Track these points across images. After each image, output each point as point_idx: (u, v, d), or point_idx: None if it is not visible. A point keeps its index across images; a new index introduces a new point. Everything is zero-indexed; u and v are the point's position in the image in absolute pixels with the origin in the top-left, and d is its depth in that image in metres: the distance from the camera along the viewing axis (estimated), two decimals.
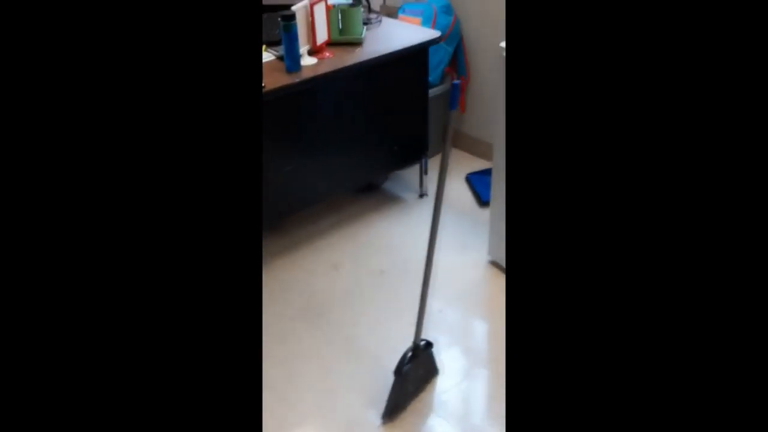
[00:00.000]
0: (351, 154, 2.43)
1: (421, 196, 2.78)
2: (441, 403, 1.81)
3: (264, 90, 1.96)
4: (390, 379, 1.72)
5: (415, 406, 1.79)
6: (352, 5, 2.32)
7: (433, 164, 2.59)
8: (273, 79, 2.02)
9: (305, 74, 2.09)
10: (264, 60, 2.19)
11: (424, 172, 2.72)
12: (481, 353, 2.02)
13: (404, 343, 1.75)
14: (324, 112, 2.25)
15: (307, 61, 2.15)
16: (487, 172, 2.63)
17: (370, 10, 2.59)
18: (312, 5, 2.09)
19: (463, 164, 2.95)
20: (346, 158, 2.42)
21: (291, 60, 2.04)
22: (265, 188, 2.22)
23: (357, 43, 2.32)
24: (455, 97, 1.53)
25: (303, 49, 2.13)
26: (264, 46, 2.28)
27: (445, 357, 1.94)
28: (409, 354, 1.74)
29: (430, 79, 2.65)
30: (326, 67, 2.15)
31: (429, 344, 1.82)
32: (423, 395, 1.82)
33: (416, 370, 1.79)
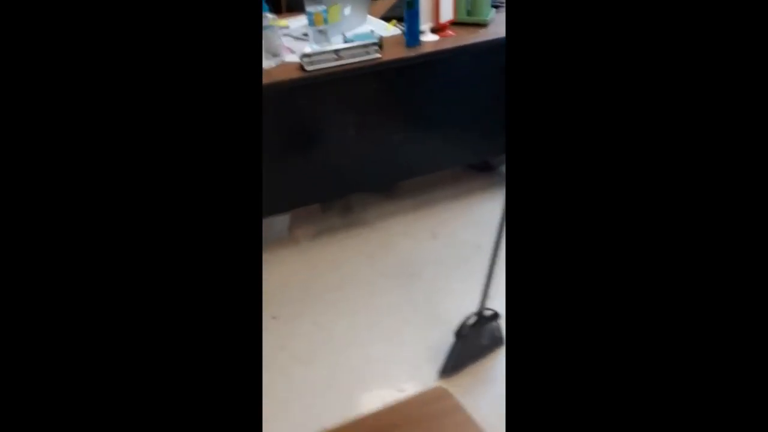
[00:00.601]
0: (465, 130, 2.53)
1: None
2: (499, 373, 1.89)
3: (380, 60, 2.13)
4: None
5: (474, 369, 1.89)
6: None
7: None
8: (391, 52, 2.19)
9: (424, 49, 2.23)
10: (389, 34, 2.36)
11: None
12: None
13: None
14: (441, 88, 2.37)
15: (428, 37, 2.28)
16: None
17: None
18: None
19: None
20: (459, 134, 2.53)
21: (411, 35, 2.19)
22: (375, 154, 2.42)
23: (483, 25, 2.40)
24: None
25: (425, 26, 2.26)
26: (393, 21, 2.45)
27: None
28: (472, 320, 1.84)
29: None
30: (447, 44, 2.27)
31: (496, 315, 1.91)
32: (485, 362, 1.92)
33: (479, 338, 1.89)
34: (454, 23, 2.39)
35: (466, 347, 1.86)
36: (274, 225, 2.64)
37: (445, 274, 2.33)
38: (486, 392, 1.82)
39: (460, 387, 1.83)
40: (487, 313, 1.88)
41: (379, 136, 2.37)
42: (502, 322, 1.92)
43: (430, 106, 2.41)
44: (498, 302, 1.91)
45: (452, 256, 2.43)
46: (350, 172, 2.44)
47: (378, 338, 2.05)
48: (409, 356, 1.96)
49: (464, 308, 2.08)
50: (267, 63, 2.12)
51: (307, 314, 2.18)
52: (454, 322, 1.86)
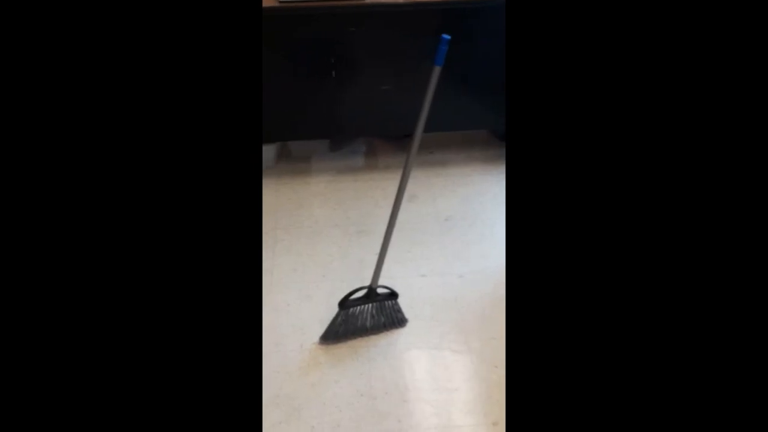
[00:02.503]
0: (493, 92, 2.34)
1: None
2: (380, 352, 1.80)
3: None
4: None
5: (356, 344, 1.82)
6: None
7: None
8: None
9: None
10: None
11: None
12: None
13: (411, 286, 1.84)
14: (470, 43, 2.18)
15: None
16: None
17: None
18: None
19: None
20: (486, 96, 2.35)
21: None
22: (390, 99, 2.31)
23: None
24: (442, 53, 1.40)
25: None
26: None
27: (414, 315, 1.90)
28: (359, 294, 1.76)
29: None
30: None
31: (393, 294, 1.80)
32: (374, 339, 1.83)
33: (367, 312, 1.80)
34: None
35: (351, 320, 1.79)
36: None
37: (395, 238, 2.22)
38: (353, 370, 1.74)
39: (333, 357, 1.78)
40: (382, 290, 1.78)
41: (364, 86, 2.25)
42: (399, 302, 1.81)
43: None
44: (399, 282, 1.81)
45: (415, 222, 2.30)
46: (359, 114, 2.38)
47: (297, 287, 2.02)
48: (316, 311, 1.91)
49: (398, 276, 2.00)
50: None
51: None
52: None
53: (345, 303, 1.75)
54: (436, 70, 1.40)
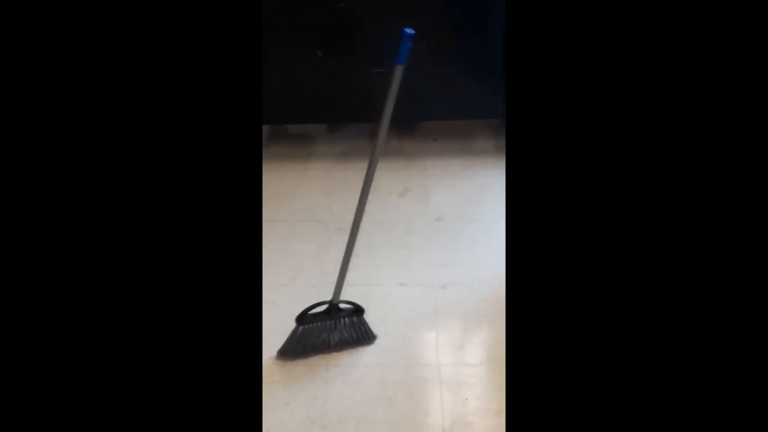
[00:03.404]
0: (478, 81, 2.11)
1: None
2: (339, 372, 1.64)
3: None
4: None
5: (317, 361, 1.66)
6: None
7: None
8: None
9: None
10: None
11: None
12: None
13: (386, 295, 1.70)
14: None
15: None
16: None
17: None
18: None
19: None
20: (471, 84, 2.12)
21: None
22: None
23: None
24: (405, 50, 1.18)
25: None
26: None
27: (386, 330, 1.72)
28: (318, 310, 1.59)
29: None
30: None
31: (358, 310, 1.63)
32: (337, 357, 1.67)
33: (329, 329, 1.63)
34: None
35: (311, 335, 1.62)
36: None
37: (377, 239, 2.04)
38: (307, 392, 1.59)
39: (288, 375, 1.62)
40: (345, 306, 1.61)
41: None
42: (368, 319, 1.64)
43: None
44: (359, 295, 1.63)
45: (402, 221, 2.11)
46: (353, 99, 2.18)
47: (271, 285, 1.85)
48: (278, 320, 1.75)
49: (373, 283, 1.83)
50: None
51: None
52: (347, 295, 1.63)
53: (303, 318, 1.59)
54: (399, 70, 1.18)
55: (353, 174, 2.28)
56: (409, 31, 1.15)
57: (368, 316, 1.68)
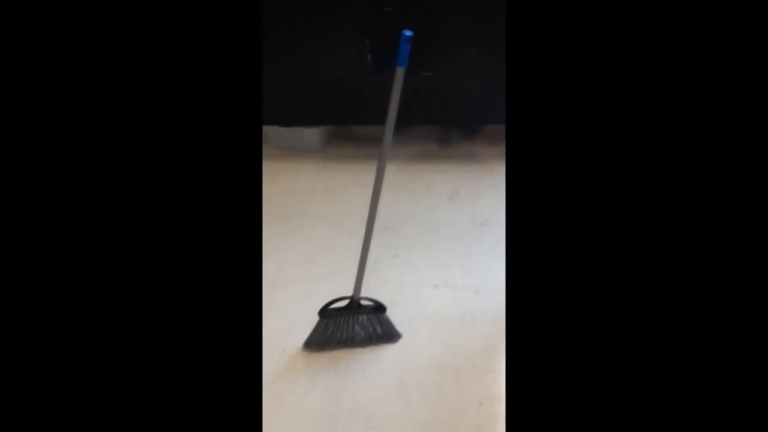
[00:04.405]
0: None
1: None
2: (359, 367, 1.67)
3: None
4: None
5: (341, 354, 1.71)
6: None
7: None
8: None
9: None
10: None
11: None
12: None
13: (418, 296, 1.74)
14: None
15: None
16: None
17: None
18: None
19: None
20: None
21: None
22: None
23: None
24: (404, 53, 1.21)
25: None
26: None
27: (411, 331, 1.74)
28: (340, 305, 1.64)
29: None
30: None
31: (380, 307, 1.66)
32: (360, 352, 1.71)
33: (351, 324, 1.68)
34: None
35: (333, 329, 1.68)
36: (305, 137, 2.55)
37: (420, 240, 2.06)
38: (326, 383, 1.64)
39: (311, 365, 1.68)
40: (366, 302, 1.65)
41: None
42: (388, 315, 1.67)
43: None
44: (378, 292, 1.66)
45: (448, 224, 2.11)
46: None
47: (302, 283, 1.94)
48: (312, 313, 1.82)
49: (407, 283, 1.86)
50: None
51: (270, 229, 2.14)
52: (380, 293, 1.69)
53: (325, 312, 1.64)
54: (400, 73, 1.21)
55: (406, 176, 2.31)
56: (408, 33, 1.17)
57: (396, 315, 1.71)
